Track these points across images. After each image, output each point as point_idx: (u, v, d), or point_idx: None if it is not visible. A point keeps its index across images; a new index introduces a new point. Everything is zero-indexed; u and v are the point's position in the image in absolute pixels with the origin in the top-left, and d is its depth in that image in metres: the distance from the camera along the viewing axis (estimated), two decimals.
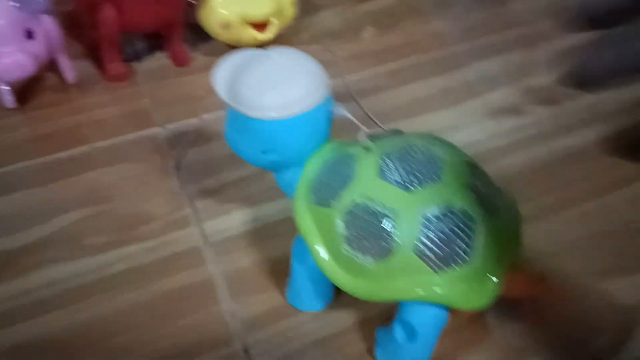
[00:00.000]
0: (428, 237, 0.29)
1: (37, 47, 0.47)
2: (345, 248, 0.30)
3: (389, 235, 0.29)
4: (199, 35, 0.58)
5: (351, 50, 0.59)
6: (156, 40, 0.58)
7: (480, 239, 0.30)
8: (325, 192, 0.31)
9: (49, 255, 0.39)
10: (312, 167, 0.33)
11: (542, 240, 0.40)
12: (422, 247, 0.29)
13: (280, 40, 0.61)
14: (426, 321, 0.31)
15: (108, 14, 0.50)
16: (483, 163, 0.32)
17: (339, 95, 0.54)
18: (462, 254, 0.29)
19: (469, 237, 0.29)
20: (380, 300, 0.30)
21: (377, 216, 0.29)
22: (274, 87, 0.31)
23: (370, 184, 0.30)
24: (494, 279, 0.30)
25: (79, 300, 0.37)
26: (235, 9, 0.54)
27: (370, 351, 0.34)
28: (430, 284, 0.29)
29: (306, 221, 0.32)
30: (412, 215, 0.29)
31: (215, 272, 0.39)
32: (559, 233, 0.41)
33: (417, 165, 0.30)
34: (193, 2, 0.55)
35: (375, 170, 0.30)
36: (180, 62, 0.56)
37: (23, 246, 0.40)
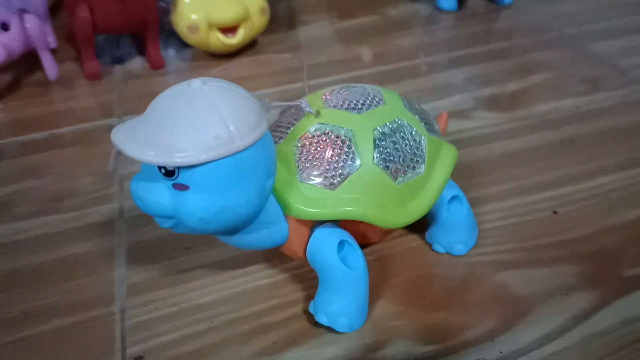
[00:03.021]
0: (383, 151, 0.32)
1: (10, 39, 0.52)
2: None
3: (350, 153, 0.31)
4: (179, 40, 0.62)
5: (318, 60, 0.61)
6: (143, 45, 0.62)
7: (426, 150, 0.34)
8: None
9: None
10: None
11: None
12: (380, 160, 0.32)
13: (251, 48, 0.63)
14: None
15: (82, 14, 0.54)
16: None
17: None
18: (417, 164, 0.33)
19: (419, 149, 0.33)
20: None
21: (334, 137, 0.32)
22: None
23: (320, 115, 0.33)
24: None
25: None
26: (202, 13, 0.57)
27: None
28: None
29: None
30: (367, 132, 0.32)
31: (119, 243, 0.40)
32: None
33: (357, 96, 0.34)
34: (162, 5, 0.59)
35: (320, 104, 0.34)
36: (153, 64, 0.60)
37: None
